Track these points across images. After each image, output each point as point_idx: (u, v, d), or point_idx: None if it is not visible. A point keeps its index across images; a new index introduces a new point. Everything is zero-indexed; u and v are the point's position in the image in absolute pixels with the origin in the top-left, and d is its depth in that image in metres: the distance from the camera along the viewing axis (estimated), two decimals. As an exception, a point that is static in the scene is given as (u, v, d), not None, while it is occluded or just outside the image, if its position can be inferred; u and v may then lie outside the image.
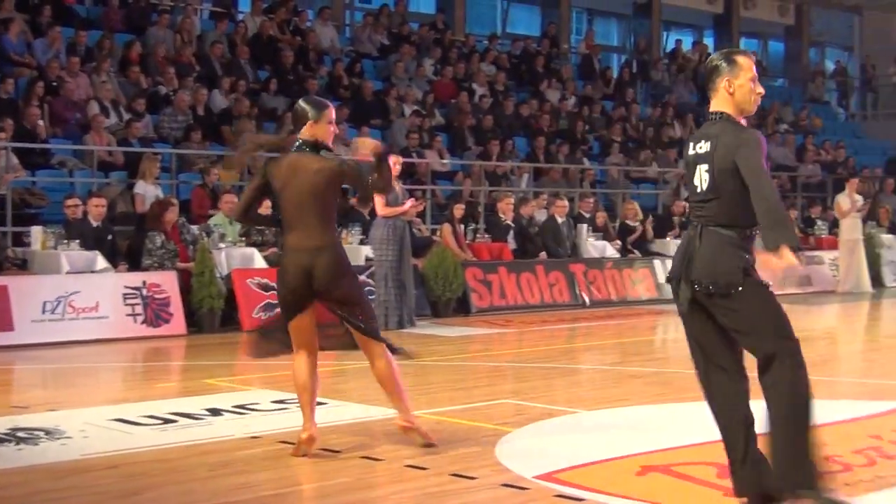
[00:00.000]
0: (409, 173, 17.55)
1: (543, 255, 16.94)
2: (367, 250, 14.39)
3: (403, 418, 6.59)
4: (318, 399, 6.68)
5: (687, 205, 20.50)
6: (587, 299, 16.60)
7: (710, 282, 5.04)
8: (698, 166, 5.13)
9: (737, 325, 5.07)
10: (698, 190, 5.13)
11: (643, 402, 8.46)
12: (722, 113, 5.14)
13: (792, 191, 24.40)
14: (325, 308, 6.46)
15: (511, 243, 17.22)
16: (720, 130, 5.09)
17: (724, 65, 5.15)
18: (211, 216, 14.64)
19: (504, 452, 6.53)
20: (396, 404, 6.61)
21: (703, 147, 5.12)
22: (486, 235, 17.07)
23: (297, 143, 6.46)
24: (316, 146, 6.44)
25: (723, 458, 5.22)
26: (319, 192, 6.34)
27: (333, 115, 6.55)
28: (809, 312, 16.87)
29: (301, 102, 6.59)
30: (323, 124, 6.46)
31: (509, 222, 17.33)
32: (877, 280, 20.45)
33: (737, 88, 5.11)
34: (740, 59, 5.17)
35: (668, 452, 6.32)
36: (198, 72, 18.30)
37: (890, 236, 22.21)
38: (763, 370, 5.03)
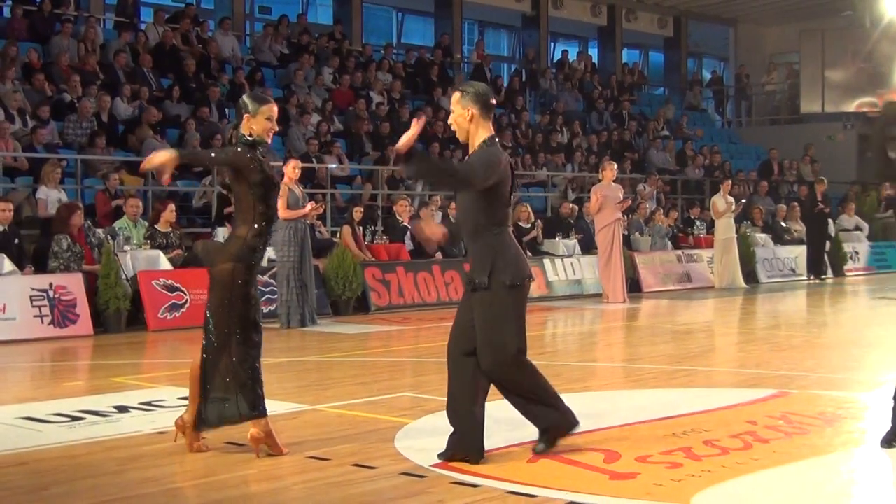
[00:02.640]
0: (309, 178, 17.81)
1: (439, 255, 17.19)
2: (269, 252, 14.68)
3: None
4: None
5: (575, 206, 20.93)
6: (481, 297, 17.00)
7: None
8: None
9: None
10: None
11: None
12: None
13: (673, 193, 25.11)
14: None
15: (408, 244, 17.47)
16: None
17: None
18: (114, 220, 14.76)
19: (403, 443, 6.64)
20: (192, 404, 6.47)
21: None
22: (385, 237, 17.31)
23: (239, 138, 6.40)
24: (253, 143, 6.36)
25: (610, 444, 5.72)
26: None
27: (274, 112, 6.41)
28: (689, 307, 17.52)
29: (243, 97, 6.49)
30: (260, 119, 6.36)
31: (406, 224, 17.57)
32: (751, 276, 21.27)
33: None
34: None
35: (557, 439, 6.62)
36: (102, 80, 18.36)
37: (763, 235, 23.14)
38: None
